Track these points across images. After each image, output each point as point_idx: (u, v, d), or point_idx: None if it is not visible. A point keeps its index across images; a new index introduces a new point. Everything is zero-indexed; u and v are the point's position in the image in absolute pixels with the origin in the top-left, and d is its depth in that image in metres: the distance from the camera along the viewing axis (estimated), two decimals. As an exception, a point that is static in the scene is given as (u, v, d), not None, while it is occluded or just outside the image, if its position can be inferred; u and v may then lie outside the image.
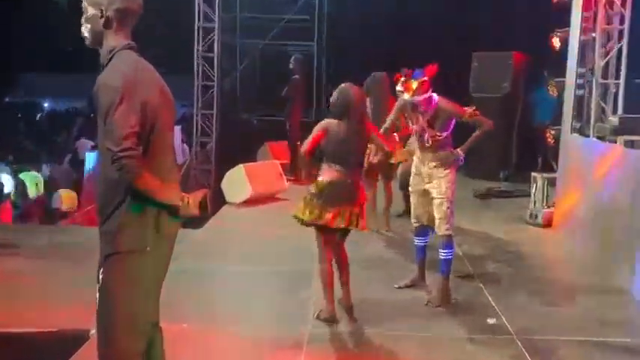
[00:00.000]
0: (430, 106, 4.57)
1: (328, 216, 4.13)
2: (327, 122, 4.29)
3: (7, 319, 4.17)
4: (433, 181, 4.61)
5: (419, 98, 4.55)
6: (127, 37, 2.58)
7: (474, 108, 4.65)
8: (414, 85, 4.54)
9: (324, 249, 4.28)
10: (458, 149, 4.65)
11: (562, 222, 6.61)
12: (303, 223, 4.24)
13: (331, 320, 4.23)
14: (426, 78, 4.55)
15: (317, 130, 4.26)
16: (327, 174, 4.19)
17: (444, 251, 4.62)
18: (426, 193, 4.67)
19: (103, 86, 2.43)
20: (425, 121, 4.61)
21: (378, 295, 4.81)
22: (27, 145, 15.17)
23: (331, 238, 4.29)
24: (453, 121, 4.62)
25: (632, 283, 4.85)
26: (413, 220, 4.85)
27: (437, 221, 4.60)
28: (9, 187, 8.44)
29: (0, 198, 8.16)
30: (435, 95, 4.58)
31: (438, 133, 4.59)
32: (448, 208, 4.57)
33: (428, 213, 4.69)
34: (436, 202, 4.60)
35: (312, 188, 4.20)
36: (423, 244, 4.87)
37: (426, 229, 4.80)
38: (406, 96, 4.61)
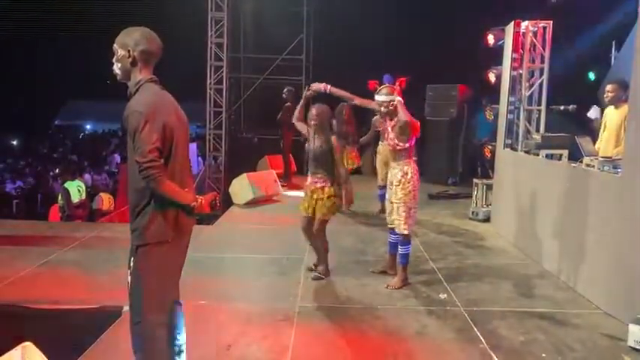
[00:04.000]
0: (393, 109, 4.30)
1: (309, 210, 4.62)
2: None
3: (58, 297, 4.14)
4: (392, 188, 4.43)
5: (382, 98, 4.33)
6: (149, 72, 2.56)
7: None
8: (382, 87, 4.40)
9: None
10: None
11: (497, 218, 6.65)
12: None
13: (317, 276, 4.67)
14: (393, 85, 4.42)
15: None
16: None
17: (402, 247, 4.48)
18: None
19: (132, 112, 2.41)
20: (389, 121, 4.40)
21: (357, 276, 4.80)
22: (72, 158, 15.04)
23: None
24: (413, 138, 4.34)
25: (550, 265, 4.90)
26: (388, 222, 4.61)
27: (395, 222, 4.44)
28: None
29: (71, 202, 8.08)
30: (399, 100, 4.27)
31: (397, 142, 4.32)
32: (404, 211, 4.34)
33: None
34: (394, 206, 4.41)
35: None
36: (394, 241, 4.65)
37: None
38: (376, 96, 4.39)
